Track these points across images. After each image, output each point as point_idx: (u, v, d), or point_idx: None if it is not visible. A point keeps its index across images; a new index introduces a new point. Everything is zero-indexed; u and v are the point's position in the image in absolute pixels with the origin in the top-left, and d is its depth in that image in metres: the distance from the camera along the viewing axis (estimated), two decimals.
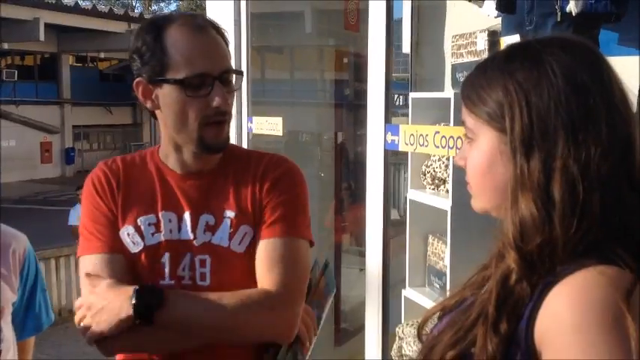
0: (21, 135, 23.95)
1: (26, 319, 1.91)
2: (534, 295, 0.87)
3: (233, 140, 4.04)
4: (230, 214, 1.49)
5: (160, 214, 1.49)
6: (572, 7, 2.17)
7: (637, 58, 2.43)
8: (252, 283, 1.51)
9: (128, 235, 1.48)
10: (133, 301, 1.35)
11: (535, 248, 0.88)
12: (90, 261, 1.47)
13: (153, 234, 1.48)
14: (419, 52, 3.60)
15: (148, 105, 1.48)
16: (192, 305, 1.40)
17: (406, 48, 3.67)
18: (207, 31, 1.45)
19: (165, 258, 1.47)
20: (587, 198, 0.86)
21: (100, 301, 1.38)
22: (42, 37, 21.85)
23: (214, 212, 1.49)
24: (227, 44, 1.51)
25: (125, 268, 1.47)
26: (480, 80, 0.96)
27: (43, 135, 26.10)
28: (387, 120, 2.70)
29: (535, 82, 0.90)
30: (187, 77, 1.40)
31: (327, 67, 5.11)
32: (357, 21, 4.49)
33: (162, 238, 1.48)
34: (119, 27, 24.64)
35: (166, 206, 1.50)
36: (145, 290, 1.38)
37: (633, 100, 0.95)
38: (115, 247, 1.47)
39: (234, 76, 1.50)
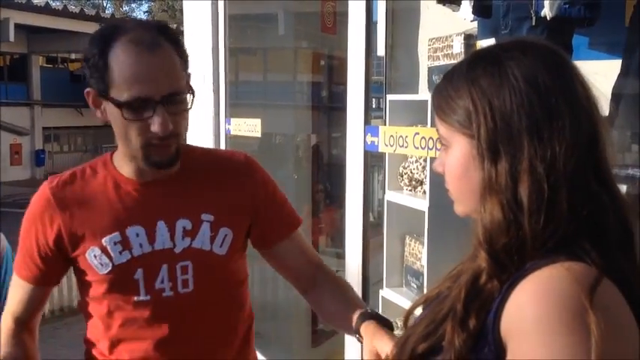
0: None
1: None
2: (502, 290, 0.89)
3: (210, 142, 4.05)
4: (208, 217, 1.48)
5: (125, 231, 1.45)
6: (546, 12, 2.22)
7: (609, 62, 2.49)
8: (234, 284, 1.56)
9: (95, 257, 1.45)
10: None
11: (502, 248, 0.90)
12: (13, 281, 1.59)
13: (121, 252, 1.45)
14: (393, 55, 3.63)
15: (98, 115, 1.44)
16: None
17: (381, 51, 3.70)
18: (156, 49, 1.35)
19: (139, 274, 1.45)
20: (553, 195, 0.88)
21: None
22: (11, 37, 21.52)
23: (190, 217, 1.48)
24: (183, 56, 1.42)
25: (35, 298, 1.56)
26: (448, 89, 0.99)
27: (12, 137, 25.70)
28: (367, 122, 2.73)
29: (497, 87, 0.92)
30: (127, 101, 1.34)
31: (304, 70, 5.12)
32: (334, 23, 4.51)
33: (133, 255, 1.45)
34: (90, 28, 24.30)
35: (131, 220, 1.46)
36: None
37: (602, 100, 0.98)
38: (40, 277, 1.54)
39: (186, 95, 1.42)
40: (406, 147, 2.45)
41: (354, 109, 2.78)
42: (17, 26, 21.78)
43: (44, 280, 1.55)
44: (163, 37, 1.38)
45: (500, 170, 0.90)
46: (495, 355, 0.87)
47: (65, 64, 30.02)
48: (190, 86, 1.45)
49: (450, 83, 0.99)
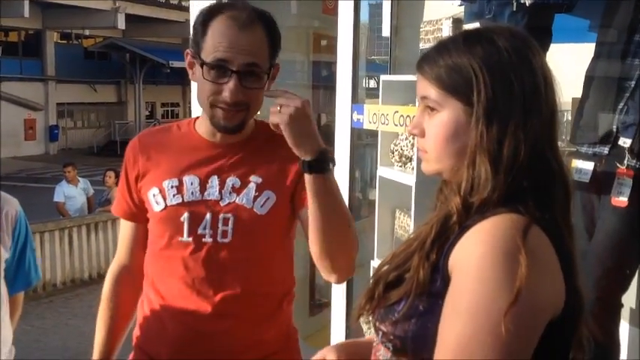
0: (4, 112, 23.77)
1: (17, 275, 2.06)
2: (454, 235, 1.06)
3: None
4: (256, 179, 1.65)
5: (183, 178, 1.66)
6: None
7: (585, 45, 2.60)
8: (271, 243, 1.70)
9: (154, 195, 1.67)
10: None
11: (478, 201, 1.05)
12: (121, 224, 1.82)
13: (174, 195, 1.66)
14: (398, 36, 3.74)
15: (190, 74, 1.66)
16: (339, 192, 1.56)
17: (386, 31, 3.81)
18: (247, 27, 1.55)
19: (185, 217, 1.64)
20: (524, 159, 1.04)
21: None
22: (26, 13, 21.71)
23: (240, 176, 1.65)
24: (273, 41, 1.60)
25: (139, 233, 1.77)
26: (445, 58, 1.11)
27: (26, 112, 25.96)
28: (354, 100, 2.86)
29: (496, 61, 1.07)
30: (210, 62, 1.55)
31: (308, 49, 5.22)
32: (336, 4, 4.61)
33: (183, 199, 1.65)
34: (104, 4, 24.51)
35: (191, 171, 1.66)
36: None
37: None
38: (129, 213, 1.76)
39: (264, 74, 1.58)
40: (387, 124, 2.59)
41: (342, 88, 2.90)
42: (32, 2, 21.93)
43: (133, 216, 1.76)
44: (258, 20, 1.58)
45: (492, 133, 1.04)
46: (443, 286, 1.04)
47: (79, 40, 30.18)
48: (271, 69, 1.61)
49: (448, 54, 1.10)
